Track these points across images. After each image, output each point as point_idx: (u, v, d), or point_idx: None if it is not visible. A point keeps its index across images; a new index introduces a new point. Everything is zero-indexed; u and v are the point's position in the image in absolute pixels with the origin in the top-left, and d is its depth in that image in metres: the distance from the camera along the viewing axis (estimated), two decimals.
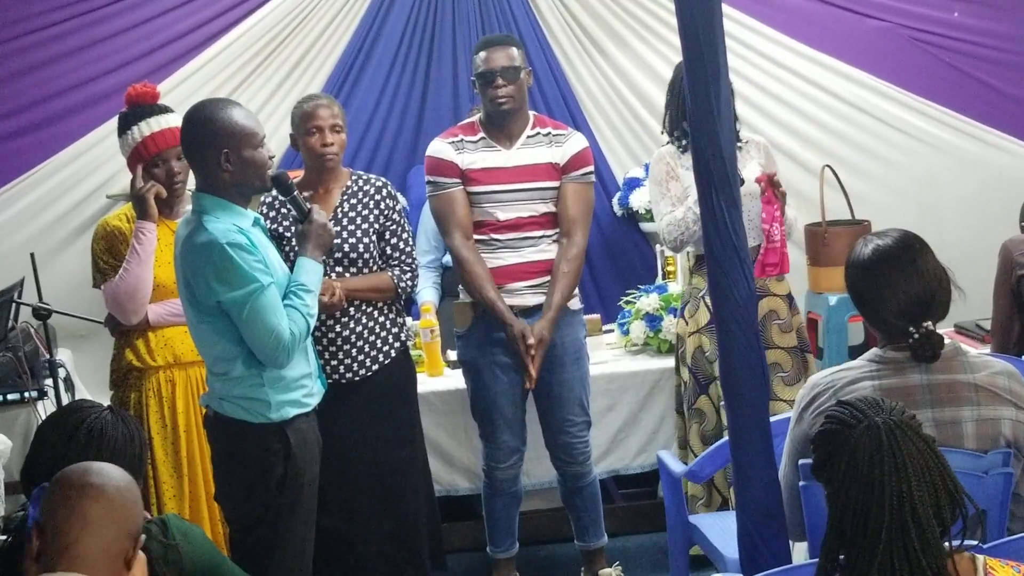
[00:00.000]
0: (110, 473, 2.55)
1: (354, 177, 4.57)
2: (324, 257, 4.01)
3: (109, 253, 4.42)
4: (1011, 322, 4.59)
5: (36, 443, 3.08)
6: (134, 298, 4.36)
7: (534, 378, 4.60)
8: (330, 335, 4.44)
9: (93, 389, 5.61)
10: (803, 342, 5.05)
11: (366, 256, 4.46)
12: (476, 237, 4.68)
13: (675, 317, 5.36)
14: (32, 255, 5.16)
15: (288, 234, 4.37)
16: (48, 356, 5.12)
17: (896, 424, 2.27)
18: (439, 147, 4.73)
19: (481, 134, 4.73)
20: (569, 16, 6.77)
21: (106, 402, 3.48)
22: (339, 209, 4.49)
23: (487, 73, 4.64)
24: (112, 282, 4.38)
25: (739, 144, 4.81)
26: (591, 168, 4.79)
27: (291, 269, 3.90)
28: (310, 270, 3.88)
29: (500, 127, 4.70)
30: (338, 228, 4.44)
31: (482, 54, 4.69)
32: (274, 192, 4.24)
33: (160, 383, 4.46)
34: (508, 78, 4.64)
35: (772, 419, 3.17)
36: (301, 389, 3.86)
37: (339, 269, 4.45)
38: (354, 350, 4.46)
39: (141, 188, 4.37)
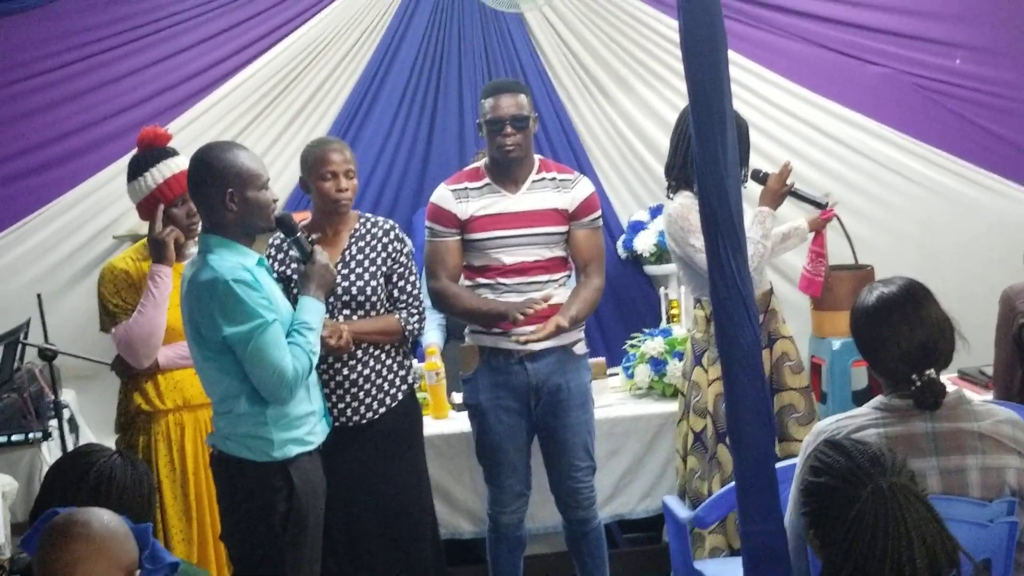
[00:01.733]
0: (95, 512, 2.62)
1: (362, 219, 4.58)
2: (326, 297, 4.05)
3: (118, 296, 4.41)
4: (1012, 370, 4.60)
5: (46, 486, 3.09)
6: (148, 342, 4.35)
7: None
8: (337, 378, 4.45)
9: (97, 430, 5.62)
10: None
11: (373, 299, 4.47)
12: (482, 281, 4.68)
13: (679, 361, 5.37)
14: (39, 296, 5.17)
15: (295, 276, 4.39)
16: (53, 397, 5.13)
17: (899, 488, 2.28)
18: (442, 195, 4.74)
19: (486, 179, 4.73)
20: (574, 60, 6.81)
21: (110, 444, 3.50)
22: (347, 252, 4.50)
23: (496, 120, 4.64)
24: (125, 325, 4.36)
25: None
26: (600, 213, 4.80)
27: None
28: (312, 309, 3.92)
29: (506, 172, 4.71)
30: (346, 271, 4.46)
31: (491, 100, 4.67)
32: (280, 233, 4.28)
33: (169, 426, 4.45)
34: (517, 126, 4.64)
35: (778, 465, 3.17)
36: (304, 427, 3.89)
37: (347, 312, 4.46)
38: (361, 393, 4.46)
39: (161, 232, 4.38)
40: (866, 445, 2.53)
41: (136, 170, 4.46)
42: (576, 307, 4.62)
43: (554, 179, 4.74)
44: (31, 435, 5.21)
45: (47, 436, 5.23)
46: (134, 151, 4.58)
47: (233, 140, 5.62)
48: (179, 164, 4.43)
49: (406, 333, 4.54)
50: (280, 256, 4.50)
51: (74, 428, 5.42)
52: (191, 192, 3.91)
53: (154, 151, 4.46)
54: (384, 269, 4.51)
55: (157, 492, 4.32)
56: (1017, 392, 4.62)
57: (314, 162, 4.49)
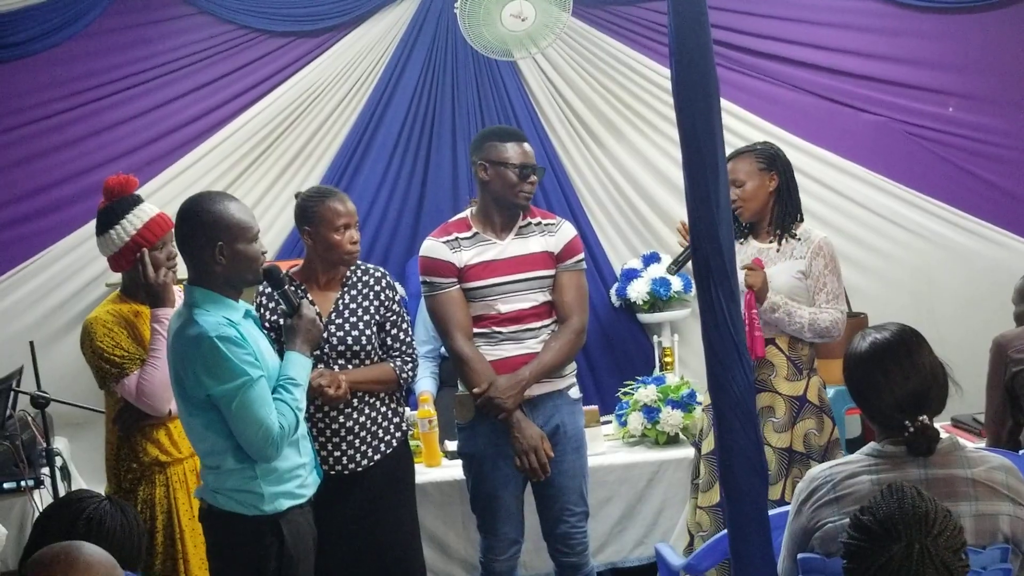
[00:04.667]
0: (77, 545, 2.58)
1: (352, 268, 4.58)
2: (312, 351, 4.01)
3: (119, 347, 4.28)
4: (1003, 417, 4.61)
5: (35, 533, 3.08)
6: (169, 386, 4.17)
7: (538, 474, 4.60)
8: (333, 426, 4.43)
9: (89, 478, 5.60)
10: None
11: (368, 348, 4.46)
12: (478, 330, 4.65)
13: (672, 409, 5.38)
14: (31, 343, 5.16)
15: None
16: (45, 445, 5.07)
17: (929, 554, 2.42)
18: (433, 246, 4.69)
19: (474, 229, 4.71)
20: (567, 107, 6.85)
21: (101, 491, 3.47)
22: (340, 301, 4.50)
23: (525, 167, 4.62)
24: (140, 374, 4.25)
25: (794, 237, 4.83)
26: (583, 256, 4.80)
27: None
28: (299, 364, 3.88)
29: (499, 220, 4.71)
30: (340, 320, 4.45)
31: (515, 145, 4.65)
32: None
33: (186, 473, 4.37)
34: (539, 175, 4.73)
35: (771, 512, 3.17)
36: (295, 480, 3.84)
37: (341, 361, 4.45)
38: (356, 440, 4.45)
39: (157, 277, 4.31)
40: (925, 500, 2.55)
41: (109, 220, 4.33)
42: (550, 354, 4.63)
43: (539, 224, 4.74)
44: (23, 483, 5.19)
45: (39, 484, 5.21)
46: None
47: (225, 189, 5.65)
48: (152, 209, 4.36)
49: (400, 381, 4.53)
50: (271, 305, 4.47)
51: (66, 476, 5.38)
52: (179, 243, 3.83)
53: (125, 200, 4.39)
54: (377, 318, 4.50)
55: (180, 541, 4.30)
56: (1007, 440, 4.63)
57: (325, 213, 4.45)
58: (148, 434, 4.35)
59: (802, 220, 4.85)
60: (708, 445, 4.79)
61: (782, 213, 4.81)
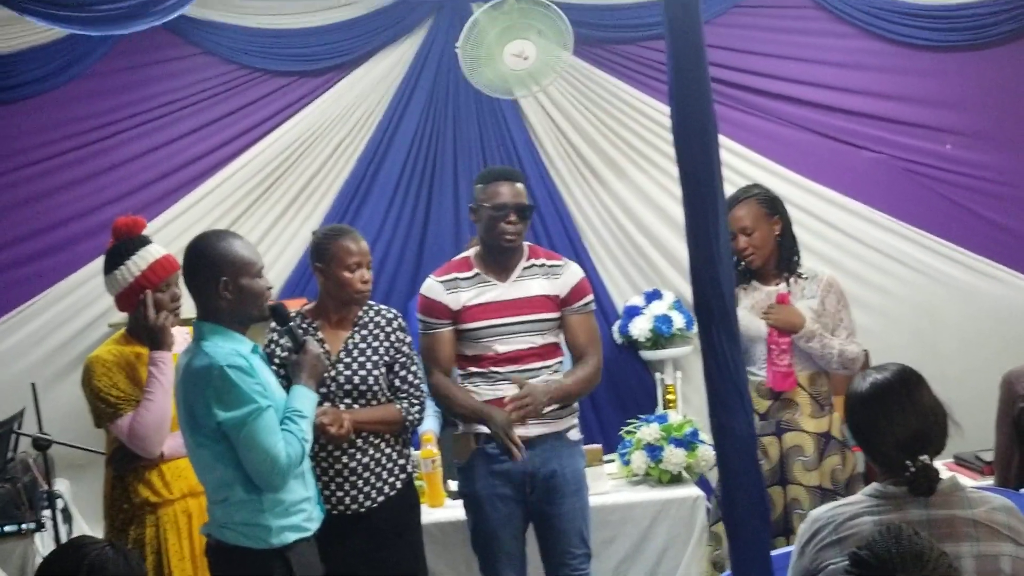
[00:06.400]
0: None
1: (365, 308, 4.60)
2: (317, 387, 4.04)
3: (116, 387, 4.33)
4: (1011, 455, 4.58)
5: None
6: (160, 429, 4.28)
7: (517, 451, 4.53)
8: (336, 466, 4.44)
9: (91, 520, 5.59)
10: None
11: (375, 388, 4.47)
12: (476, 370, 4.66)
13: (675, 447, 5.36)
14: (33, 385, 5.17)
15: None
16: (47, 487, 5.07)
17: None
18: (431, 286, 4.72)
19: (475, 269, 4.71)
20: (568, 145, 6.87)
21: (103, 534, 3.47)
22: (350, 340, 4.51)
23: (501, 207, 4.61)
24: (134, 415, 4.28)
25: (802, 276, 4.85)
26: (591, 297, 4.80)
27: None
28: (304, 397, 3.91)
29: (497, 261, 4.71)
30: (348, 359, 4.47)
31: (496, 187, 4.65)
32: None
33: (177, 515, 4.37)
34: (521, 215, 4.66)
35: (773, 553, 3.16)
36: (301, 513, 3.87)
37: (348, 400, 4.46)
38: (360, 481, 4.45)
39: (156, 319, 4.34)
40: (922, 540, 2.56)
41: (115, 261, 4.39)
42: (571, 380, 4.66)
43: (543, 265, 4.74)
44: (24, 526, 5.18)
45: (40, 527, 5.20)
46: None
47: (228, 227, 5.66)
48: (158, 250, 4.41)
49: (407, 423, 4.54)
50: (281, 341, 4.48)
51: (68, 518, 5.36)
52: (186, 279, 3.90)
53: (131, 240, 4.43)
54: (387, 359, 4.52)
55: None
56: (1015, 476, 4.61)
57: (337, 252, 4.49)
58: (141, 475, 4.36)
59: (799, 255, 4.90)
60: None
61: (788, 255, 4.85)
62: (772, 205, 4.86)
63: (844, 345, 4.79)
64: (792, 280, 4.86)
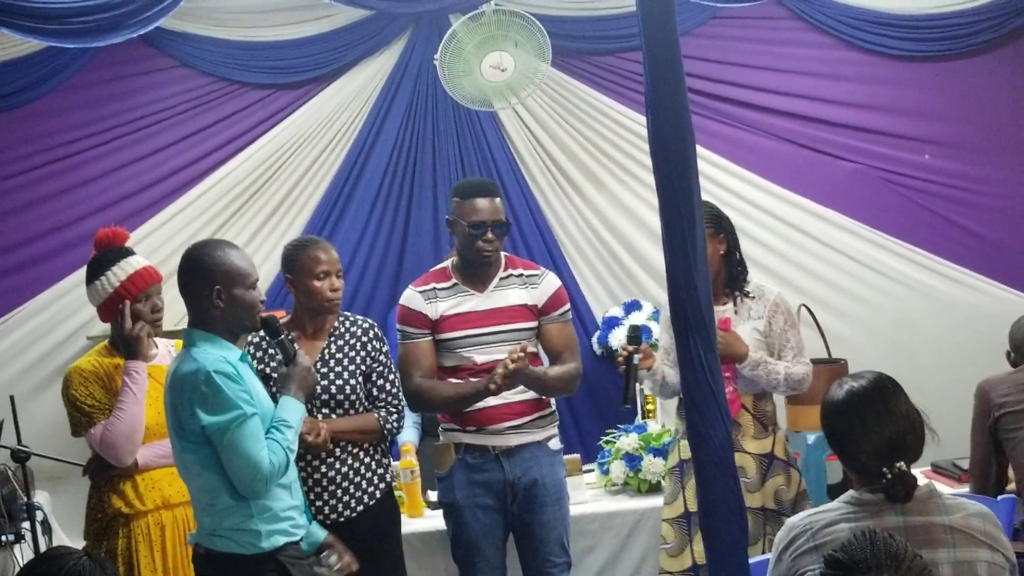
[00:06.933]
0: None
1: (341, 318, 4.60)
2: (307, 400, 4.05)
3: (91, 396, 4.35)
4: (988, 463, 4.60)
5: None
6: (131, 438, 4.29)
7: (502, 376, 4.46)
8: (315, 476, 4.44)
9: (71, 532, 5.57)
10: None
11: (352, 398, 4.48)
12: (455, 381, 4.67)
13: (654, 457, 5.38)
14: (11, 397, 5.15)
15: (275, 375, 4.38)
16: (26, 499, 5.06)
17: None
18: (410, 296, 4.73)
19: (453, 280, 4.72)
20: (546, 156, 6.89)
21: (82, 547, 3.46)
22: (327, 350, 4.52)
23: (479, 224, 4.60)
24: (105, 424, 4.28)
25: (748, 296, 4.84)
26: (568, 306, 4.82)
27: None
28: (292, 408, 3.92)
29: (475, 272, 4.72)
30: (325, 369, 4.48)
31: (473, 203, 4.64)
32: (261, 333, 4.30)
33: (150, 527, 4.37)
34: (498, 232, 4.66)
35: (751, 560, 3.17)
36: (288, 520, 3.86)
37: (325, 410, 4.46)
38: (339, 491, 4.46)
39: (133, 329, 4.35)
40: (897, 542, 2.56)
41: (96, 272, 4.40)
42: (551, 372, 4.69)
43: (521, 275, 4.75)
44: (3, 537, 5.16)
45: (20, 539, 5.18)
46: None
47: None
48: (139, 261, 4.42)
49: (384, 432, 4.55)
50: (259, 354, 4.50)
51: (47, 530, 5.36)
52: (180, 286, 3.90)
53: (112, 251, 4.44)
54: (363, 368, 4.52)
55: None
56: (993, 485, 4.63)
57: (310, 261, 4.50)
58: (115, 485, 4.37)
59: (747, 273, 4.87)
60: (674, 510, 4.81)
61: (732, 274, 4.82)
62: (717, 223, 4.78)
63: (790, 368, 4.75)
64: (739, 299, 4.84)
